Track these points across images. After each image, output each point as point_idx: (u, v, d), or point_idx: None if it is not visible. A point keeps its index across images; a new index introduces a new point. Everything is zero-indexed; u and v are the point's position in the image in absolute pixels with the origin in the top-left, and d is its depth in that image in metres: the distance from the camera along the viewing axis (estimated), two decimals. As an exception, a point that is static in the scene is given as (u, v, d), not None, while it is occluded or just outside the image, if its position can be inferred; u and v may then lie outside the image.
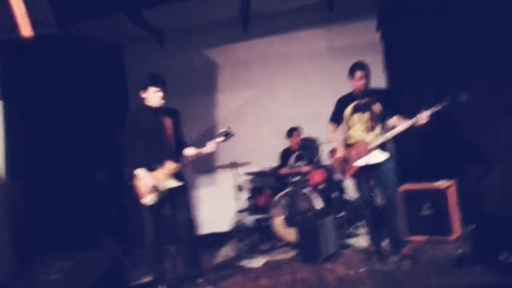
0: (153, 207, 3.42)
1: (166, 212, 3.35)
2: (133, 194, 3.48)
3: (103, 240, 4.28)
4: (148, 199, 3.40)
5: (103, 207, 4.37)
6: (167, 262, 3.52)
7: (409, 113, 3.44)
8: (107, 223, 4.40)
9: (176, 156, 3.47)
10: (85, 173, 4.45)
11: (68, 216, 4.23)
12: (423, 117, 3.29)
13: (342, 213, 4.85)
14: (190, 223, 3.55)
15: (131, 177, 3.46)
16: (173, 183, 3.41)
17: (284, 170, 5.04)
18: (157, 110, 3.38)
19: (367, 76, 3.57)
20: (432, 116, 3.30)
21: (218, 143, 3.44)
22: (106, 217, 4.39)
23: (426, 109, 3.30)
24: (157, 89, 3.36)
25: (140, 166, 3.37)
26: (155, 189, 3.36)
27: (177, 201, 3.45)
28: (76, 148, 4.50)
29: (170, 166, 3.39)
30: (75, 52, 4.78)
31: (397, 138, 4.81)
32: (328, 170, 4.77)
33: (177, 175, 3.45)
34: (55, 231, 4.05)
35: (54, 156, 4.27)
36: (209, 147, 3.44)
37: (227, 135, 3.42)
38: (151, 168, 3.39)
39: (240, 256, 4.35)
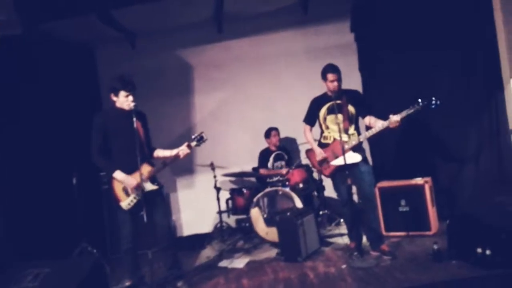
0: (131, 211, 3.36)
1: (145, 216, 3.26)
2: (109, 198, 3.40)
3: (81, 246, 4.15)
4: (126, 203, 3.33)
5: (78, 212, 4.23)
6: (146, 266, 3.45)
7: (383, 113, 3.52)
8: (83, 228, 4.26)
9: (150, 159, 3.46)
10: (59, 177, 4.31)
11: (43, 222, 4.08)
12: (395, 120, 3.36)
13: (323, 212, 4.91)
14: (168, 225, 3.54)
15: (108, 180, 3.40)
16: (150, 186, 3.38)
17: (263, 171, 5.04)
18: (128, 113, 3.29)
19: (339, 78, 3.63)
20: (403, 119, 3.37)
21: (191, 147, 3.41)
22: (82, 222, 4.25)
23: (398, 112, 3.37)
24: (128, 93, 3.30)
25: (114, 169, 3.30)
26: (133, 191, 3.31)
27: (154, 204, 3.39)
28: (49, 152, 4.34)
29: (146, 169, 3.34)
30: (45, 53, 4.62)
31: (372, 138, 4.94)
32: (308, 169, 4.80)
33: (154, 179, 3.43)
34: (30, 238, 3.90)
35: (26, 161, 4.10)
36: (181, 152, 3.40)
37: (200, 139, 3.40)
38: (127, 171, 3.32)
39: (221, 257, 4.32)
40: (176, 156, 3.42)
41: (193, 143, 3.40)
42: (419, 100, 3.34)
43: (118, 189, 3.35)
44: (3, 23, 3.58)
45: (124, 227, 3.38)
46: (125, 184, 3.31)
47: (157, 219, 3.41)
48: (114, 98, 3.35)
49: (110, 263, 4.19)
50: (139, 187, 3.28)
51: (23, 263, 3.13)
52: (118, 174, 3.30)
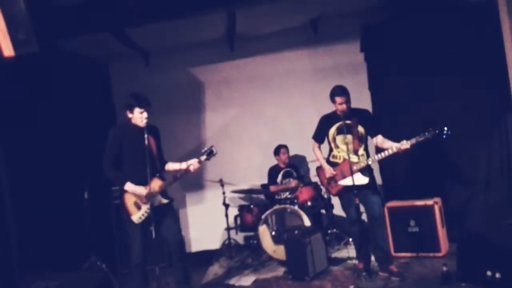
0: (141, 226, 3.39)
1: (153, 231, 3.29)
2: (119, 213, 3.44)
3: (90, 260, 4.18)
4: (137, 216, 3.37)
5: (88, 226, 4.27)
6: (153, 282, 3.46)
7: (392, 132, 3.54)
8: (93, 243, 4.29)
9: (161, 173, 3.51)
10: (71, 191, 4.37)
11: (53, 235, 4.12)
12: (405, 147, 3.42)
13: (331, 230, 4.88)
14: (179, 240, 3.53)
15: (119, 194, 3.44)
16: (161, 200, 3.41)
17: (273, 188, 5.06)
18: (142, 129, 3.37)
19: (347, 100, 3.67)
20: (413, 145, 3.41)
21: (201, 161, 3.43)
22: (92, 236, 4.29)
23: (409, 138, 3.42)
24: (143, 110, 3.37)
25: (125, 181, 3.37)
26: (143, 204, 3.35)
27: (165, 218, 3.42)
28: (62, 166, 4.41)
29: (157, 183, 3.39)
30: (60, 68, 4.74)
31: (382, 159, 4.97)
32: (316, 187, 4.81)
33: (164, 193, 3.48)
34: (41, 251, 3.93)
35: (39, 173, 4.17)
36: (191, 165, 3.42)
37: (210, 153, 3.42)
38: (137, 185, 3.37)
39: (229, 274, 4.31)
40: (187, 170, 3.44)
41: (203, 157, 3.42)
42: (431, 129, 3.38)
43: (129, 203, 3.39)
44: (20, 42, 3.69)
45: (135, 241, 3.39)
46: (135, 194, 3.36)
47: (168, 233, 3.44)
48: (130, 115, 3.42)
49: (119, 278, 4.21)
50: (150, 197, 3.32)
51: (32, 276, 3.16)
52: (129, 185, 3.37)
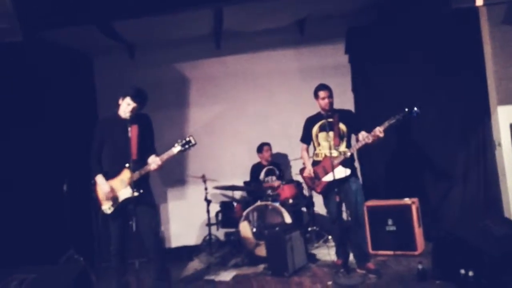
0: (114, 217, 3.39)
1: (133, 225, 3.28)
2: (96, 204, 3.43)
3: (68, 253, 4.13)
4: (106, 206, 3.38)
5: (67, 219, 4.22)
6: (132, 276, 3.44)
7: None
8: (72, 236, 4.24)
9: (138, 165, 3.34)
10: (50, 184, 4.31)
11: (31, 228, 4.06)
12: (378, 130, 3.48)
13: (311, 228, 4.94)
14: (153, 235, 3.45)
15: (92, 183, 3.44)
16: (129, 193, 3.29)
17: (255, 186, 5.09)
18: (125, 121, 3.34)
19: (330, 96, 3.77)
20: (387, 129, 3.48)
21: (175, 152, 3.31)
22: (71, 229, 4.24)
23: (381, 124, 3.48)
24: (131, 102, 3.34)
25: (98, 173, 3.38)
26: (110, 196, 3.34)
27: (140, 212, 3.34)
28: (41, 157, 4.34)
29: (126, 174, 3.31)
30: (43, 59, 4.66)
31: (362, 157, 5.07)
32: (298, 185, 4.86)
33: (138, 186, 3.28)
34: (18, 243, 3.87)
35: (17, 167, 4.10)
36: (164, 156, 3.33)
37: (186, 143, 3.29)
38: (111, 176, 3.38)
39: (209, 270, 4.32)
40: (157, 163, 3.34)
41: (176, 149, 3.30)
42: (401, 110, 3.47)
43: (100, 192, 3.41)
44: (4, 31, 3.62)
45: (111, 233, 3.44)
46: (101, 190, 3.37)
47: (142, 228, 3.36)
48: (120, 102, 3.41)
49: (97, 272, 4.17)
50: (114, 195, 3.34)
51: (9, 269, 3.10)
52: (98, 178, 3.38)
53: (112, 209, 3.37)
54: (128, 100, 3.35)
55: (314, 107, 3.92)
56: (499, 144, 4.12)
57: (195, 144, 3.30)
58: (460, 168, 4.48)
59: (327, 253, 4.32)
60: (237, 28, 5.46)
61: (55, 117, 4.66)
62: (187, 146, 3.30)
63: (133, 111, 3.36)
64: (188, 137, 3.31)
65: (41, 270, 3.02)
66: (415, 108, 3.45)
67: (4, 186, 3.97)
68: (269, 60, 5.85)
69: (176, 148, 3.30)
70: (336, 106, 3.90)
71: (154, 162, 3.33)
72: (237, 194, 5.60)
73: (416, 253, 4.04)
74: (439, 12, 4.36)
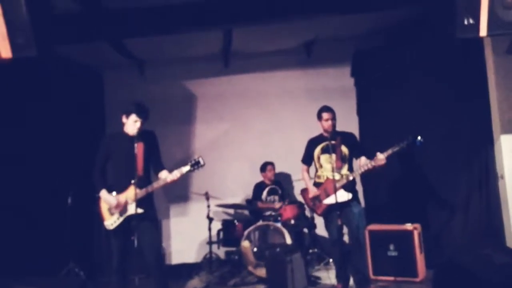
0: (116, 233, 3.40)
1: (135, 240, 3.30)
2: (99, 219, 3.45)
3: (69, 266, 4.13)
4: (110, 222, 3.39)
5: (69, 232, 4.24)
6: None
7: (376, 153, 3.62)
8: (73, 249, 4.26)
9: (143, 182, 3.40)
10: (55, 197, 4.35)
11: (34, 240, 4.08)
12: (380, 158, 3.49)
13: (312, 250, 4.92)
14: (156, 251, 3.45)
15: (96, 199, 3.47)
16: (134, 210, 3.30)
17: (259, 204, 5.10)
18: (131, 138, 3.39)
19: (333, 118, 3.81)
20: (389, 157, 3.50)
21: (184, 172, 3.37)
22: (72, 242, 4.25)
23: (383, 151, 3.51)
24: (138, 118, 3.40)
25: (102, 188, 3.40)
26: (114, 212, 3.36)
27: (142, 229, 3.38)
28: (48, 171, 4.40)
29: (132, 191, 3.32)
30: (53, 74, 4.76)
31: (365, 182, 5.08)
32: (300, 206, 4.86)
33: (142, 202, 3.33)
34: (20, 255, 3.89)
35: (24, 177, 4.15)
36: (174, 175, 3.37)
37: (196, 164, 3.34)
38: (112, 191, 3.40)
39: (208, 289, 4.31)
40: (165, 182, 3.40)
41: (185, 168, 3.35)
42: (404, 139, 3.48)
43: (104, 208, 3.42)
44: (19, 46, 3.72)
45: (112, 249, 3.43)
46: (106, 203, 3.38)
47: (144, 245, 3.39)
48: (124, 120, 3.45)
49: (97, 286, 4.16)
50: (120, 208, 3.34)
51: (9, 279, 3.12)
52: (103, 193, 3.40)
53: (115, 225, 3.38)
54: (134, 117, 3.40)
55: (318, 129, 3.96)
56: (502, 177, 4.12)
57: (204, 165, 3.36)
58: (463, 196, 4.46)
59: (327, 276, 4.29)
60: (245, 48, 5.57)
61: (63, 131, 4.73)
62: (196, 167, 3.36)
63: (140, 127, 3.41)
64: (198, 157, 3.38)
65: (41, 282, 3.05)
66: (419, 138, 3.47)
67: (10, 196, 4.02)
68: (276, 80, 5.93)
69: (186, 168, 3.36)
70: (341, 129, 3.94)
71: (169, 176, 3.36)
72: (240, 213, 5.60)
73: (417, 279, 4.01)
74: (444, 41, 4.42)
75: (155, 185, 3.42)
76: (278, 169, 5.44)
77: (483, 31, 3.51)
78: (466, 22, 3.55)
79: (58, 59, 4.79)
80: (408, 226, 4.14)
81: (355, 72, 5.66)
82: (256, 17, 4.34)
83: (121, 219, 3.37)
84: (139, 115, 3.39)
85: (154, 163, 3.57)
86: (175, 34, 4.53)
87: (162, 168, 3.57)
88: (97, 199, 3.46)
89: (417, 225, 4.20)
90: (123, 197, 3.36)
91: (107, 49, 4.97)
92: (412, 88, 4.82)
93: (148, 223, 3.42)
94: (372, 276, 4.12)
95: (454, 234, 4.42)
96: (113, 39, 4.73)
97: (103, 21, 4.20)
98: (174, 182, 3.41)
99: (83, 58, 5.24)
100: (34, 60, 4.16)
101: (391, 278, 4.12)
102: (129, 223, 3.37)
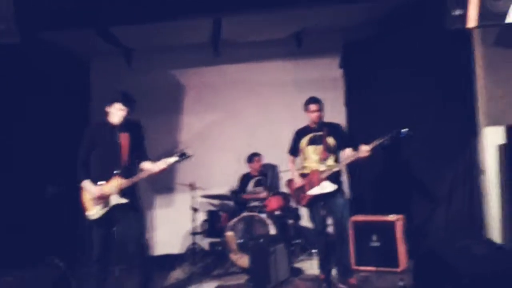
0: (99, 223, 3.37)
1: (116, 230, 3.28)
2: (81, 209, 3.41)
3: (49, 257, 4.08)
4: (92, 212, 3.36)
5: (49, 223, 4.19)
6: (111, 283, 3.42)
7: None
8: (54, 240, 4.21)
9: (128, 172, 3.39)
10: (34, 187, 4.28)
11: (12, 232, 4.03)
12: (365, 149, 3.48)
13: (297, 240, 4.92)
14: (139, 241, 3.45)
15: (78, 189, 3.43)
16: (118, 200, 3.32)
17: (244, 196, 5.08)
18: (115, 127, 3.36)
19: (320, 109, 3.79)
20: (374, 149, 3.49)
21: (171, 163, 3.35)
22: (53, 233, 4.21)
23: (368, 143, 3.49)
24: (122, 107, 3.36)
25: (84, 178, 3.36)
26: (98, 202, 3.32)
27: (126, 219, 3.38)
28: (30, 161, 4.33)
29: (117, 181, 3.31)
30: (37, 60, 4.68)
31: (351, 173, 5.08)
32: (286, 197, 4.85)
33: (126, 193, 3.35)
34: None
35: (3, 168, 4.09)
36: (160, 165, 3.34)
37: (182, 155, 3.33)
38: (95, 181, 3.36)
39: (191, 280, 4.29)
40: (150, 172, 3.38)
41: (172, 159, 3.33)
42: (390, 132, 3.47)
43: (86, 198, 3.38)
44: (1, 32, 3.65)
45: (94, 239, 3.39)
46: (88, 194, 3.34)
47: (127, 235, 3.39)
48: (108, 109, 3.41)
49: (77, 277, 4.12)
50: (103, 198, 3.30)
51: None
52: (85, 183, 3.36)
53: (97, 215, 3.35)
54: (119, 106, 3.36)
55: (306, 120, 3.93)
56: (483, 173, 4.15)
57: (190, 156, 3.35)
58: (446, 188, 4.48)
59: (310, 266, 4.30)
60: (235, 37, 5.51)
61: (45, 119, 4.65)
62: (183, 158, 3.34)
63: (125, 115, 3.37)
64: (185, 148, 3.37)
65: (18, 273, 3.01)
66: (404, 130, 3.45)
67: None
68: (266, 70, 5.88)
69: (173, 158, 3.33)
70: (329, 119, 3.92)
71: (156, 166, 3.33)
72: (225, 204, 5.59)
73: (399, 269, 4.03)
74: (433, 32, 4.40)
75: (141, 175, 3.39)
76: (265, 160, 5.42)
77: (472, 22, 3.51)
78: (455, 13, 3.55)
79: (42, 45, 4.72)
80: (391, 217, 4.15)
81: (344, 63, 5.64)
82: (245, 6, 4.27)
83: (105, 209, 3.34)
84: (124, 103, 3.36)
85: (139, 153, 3.54)
86: (163, 22, 4.46)
87: (146, 159, 3.55)
88: (79, 189, 3.43)
89: (400, 216, 4.21)
90: (107, 187, 3.32)
91: (94, 37, 4.88)
92: (400, 80, 4.81)
93: (131, 213, 3.41)
94: (354, 266, 4.13)
95: (437, 226, 4.45)
96: (99, 27, 4.65)
97: (89, 8, 4.12)
98: (160, 173, 3.38)
99: (69, 46, 5.15)
100: (17, 46, 4.12)
101: (373, 268, 4.14)
102: (112, 213, 3.35)
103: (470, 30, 4.39)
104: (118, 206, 3.32)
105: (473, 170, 4.35)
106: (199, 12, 4.25)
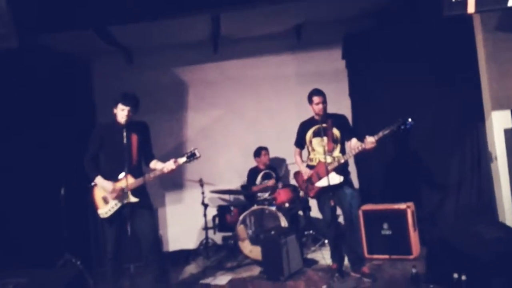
0: (110, 221, 3.41)
1: (129, 228, 3.32)
2: (93, 208, 3.45)
3: (65, 257, 4.13)
4: (104, 210, 3.40)
5: (64, 223, 4.24)
6: (126, 280, 3.46)
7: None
8: (69, 240, 4.25)
9: (136, 172, 3.46)
10: (48, 188, 4.33)
11: (29, 232, 4.08)
12: (370, 141, 3.50)
13: (307, 232, 4.96)
14: (152, 237, 3.50)
15: (90, 187, 3.47)
16: (130, 199, 3.35)
17: (254, 188, 5.12)
18: (124, 126, 3.39)
19: (324, 101, 3.79)
20: (379, 140, 3.49)
21: (180, 163, 3.41)
22: (68, 233, 4.25)
23: (373, 133, 3.51)
24: (124, 107, 3.39)
25: (96, 174, 3.41)
26: (112, 197, 3.36)
27: (138, 217, 3.42)
28: (39, 162, 4.37)
29: (128, 180, 3.33)
30: (39, 65, 4.69)
31: (359, 163, 5.10)
32: (294, 189, 4.88)
33: (137, 191, 3.40)
34: (16, 248, 3.89)
35: (15, 171, 4.13)
36: (169, 166, 3.40)
37: (192, 156, 3.40)
38: (110, 180, 3.40)
39: (205, 273, 4.34)
40: (161, 172, 3.44)
41: (182, 159, 3.41)
42: (395, 121, 3.48)
43: (97, 196, 3.43)
44: (1, 37, 3.64)
45: (107, 237, 3.45)
46: (103, 189, 3.39)
47: (140, 233, 3.44)
48: (114, 111, 3.45)
49: (94, 276, 4.18)
50: (117, 195, 3.34)
51: (3, 272, 3.12)
52: (98, 179, 3.40)
53: (109, 213, 3.39)
54: (120, 106, 3.40)
55: (310, 112, 3.95)
56: (496, 158, 4.15)
57: (199, 157, 3.42)
58: (455, 173, 4.51)
59: (322, 257, 4.34)
60: (234, 33, 5.50)
61: (52, 122, 4.68)
62: (192, 158, 3.41)
63: (130, 114, 3.40)
64: (194, 149, 3.42)
65: (34, 273, 3.04)
66: (409, 120, 3.46)
67: (2, 190, 4.00)
68: (266, 65, 5.88)
69: (182, 159, 3.41)
70: (333, 111, 3.94)
71: (166, 166, 3.39)
72: (235, 198, 5.62)
73: (411, 257, 4.07)
74: (434, 19, 4.40)
75: (152, 175, 3.45)
76: (271, 154, 5.44)
77: (471, 8, 3.50)
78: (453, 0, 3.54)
79: (43, 49, 4.72)
80: (401, 205, 4.18)
81: (346, 54, 5.63)
82: (243, 1, 4.28)
83: (116, 207, 3.38)
84: (124, 102, 3.39)
85: (146, 153, 3.62)
86: (161, 20, 4.45)
87: (152, 158, 3.65)
88: (91, 189, 3.46)
89: (410, 204, 4.24)
90: (118, 185, 3.37)
91: (93, 38, 4.89)
92: (403, 68, 4.82)
93: (143, 211, 3.46)
94: (366, 255, 4.18)
95: (448, 212, 4.48)
96: (97, 27, 4.64)
97: (86, 8, 4.10)
98: (170, 173, 3.45)
99: (69, 48, 5.14)
100: (19, 51, 4.12)
101: (386, 256, 4.18)
102: (123, 211, 3.38)
103: (470, 16, 4.39)
104: (129, 205, 3.35)
105: (481, 154, 4.37)
106: (196, 8, 4.24)
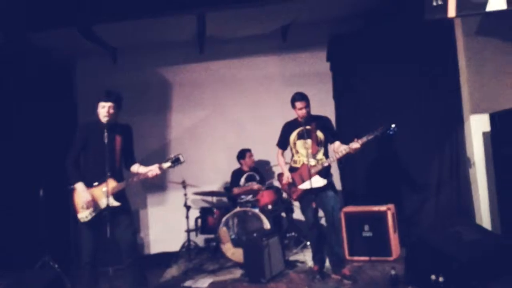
0: (89, 225, 3.34)
1: (108, 231, 3.26)
2: (73, 211, 3.39)
3: (43, 259, 4.06)
4: (84, 215, 3.33)
5: (43, 225, 4.16)
6: (105, 284, 3.41)
7: (353, 139, 3.65)
8: (48, 242, 4.18)
9: (119, 175, 3.42)
10: (26, 190, 4.25)
11: (6, 234, 4.00)
12: (355, 146, 3.55)
13: (290, 234, 4.96)
14: (131, 241, 3.45)
15: (70, 190, 3.39)
16: (111, 202, 3.28)
17: (236, 190, 5.10)
18: (107, 127, 3.31)
19: (307, 106, 3.79)
20: (364, 144, 3.54)
21: (164, 168, 3.38)
22: (46, 235, 4.18)
23: (359, 138, 3.55)
24: (105, 103, 3.33)
25: (77, 179, 3.33)
26: (90, 205, 3.29)
27: (117, 221, 3.35)
28: (17, 164, 4.29)
29: (110, 184, 3.27)
30: (21, 62, 4.62)
31: (342, 165, 5.13)
32: (277, 191, 4.88)
33: (117, 195, 3.35)
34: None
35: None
36: (150, 171, 3.38)
37: (176, 161, 3.36)
38: (91, 184, 3.34)
39: (186, 276, 4.30)
40: (145, 176, 3.40)
41: (166, 164, 3.37)
42: (379, 127, 3.53)
43: (77, 200, 3.35)
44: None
45: (84, 240, 3.37)
46: (80, 198, 3.31)
47: (119, 236, 3.37)
48: (97, 110, 3.39)
49: (72, 279, 4.11)
50: (94, 203, 3.29)
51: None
52: (79, 186, 3.33)
53: (89, 217, 3.32)
54: (101, 103, 3.34)
55: (295, 114, 3.94)
56: (474, 164, 4.22)
57: (183, 162, 3.39)
58: (435, 175, 4.57)
59: (304, 259, 4.34)
60: (220, 33, 5.49)
61: (33, 121, 4.61)
62: (176, 163, 3.37)
63: (111, 111, 3.34)
64: (178, 155, 3.38)
65: (12, 276, 2.99)
66: (393, 126, 3.52)
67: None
68: (252, 66, 5.88)
69: (166, 164, 3.37)
70: (318, 113, 3.94)
71: (151, 171, 3.36)
72: (218, 200, 5.60)
73: (391, 258, 4.10)
74: (417, 23, 4.45)
75: (135, 179, 3.40)
76: (256, 156, 5.43)
77: (451, 12, 3.56)
78: (435, 3, 3.59)
79: (26, 47, 4.65)
80: (382, 207, 4.22)
81: (331, 56, 5.66)
82: (228, 1, 4.28)
83: (96, 212, 3.32)
84: (104, 99, 3.33)
85: (127, 156, 3.57)
86: (146, 19, 4.42)
87: (134, 162, 3.60)
88: (71, 191, 3.39)
89: (391, 206, 4.28)
90: (99, 189, 3.31)
91: (77, 37, 4.83)
92: (386, 71, 4.88)
93: (123, 216, 3.41)
94: (347, 257, 4.19)
95: (428, 214, 4.54)
96: (81, 25, 4.59)
97: (70, 7, 4.06)
98: (153, 178, 3.41)
99: (53, 46, 5.07)
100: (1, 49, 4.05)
101: (366, 258, 4.20)
102: (102, 215, 3.31)
103: (452, 20, 4.46)
104: (109, 208, 3.29)
105: (460, 158, 4.44)
106: (181, 7, 4.23)
